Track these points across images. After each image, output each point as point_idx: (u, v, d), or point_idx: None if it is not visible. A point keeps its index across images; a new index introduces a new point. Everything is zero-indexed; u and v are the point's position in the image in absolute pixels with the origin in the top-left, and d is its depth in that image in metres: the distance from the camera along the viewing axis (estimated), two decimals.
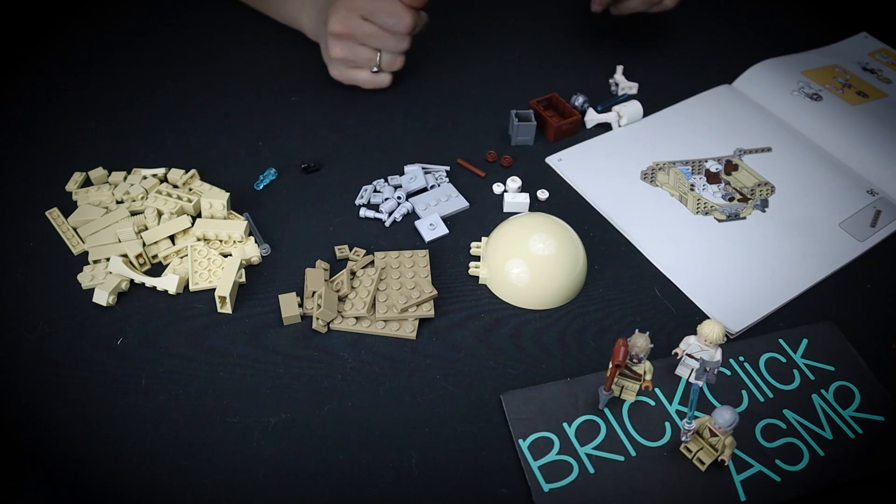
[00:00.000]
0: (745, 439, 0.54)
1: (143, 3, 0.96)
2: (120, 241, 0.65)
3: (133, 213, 0.68)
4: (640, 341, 0.52)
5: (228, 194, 0.70)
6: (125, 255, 0.64)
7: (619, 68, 0.86)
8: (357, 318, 0.62)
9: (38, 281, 0.64)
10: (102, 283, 0.63)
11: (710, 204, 0.73)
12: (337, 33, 0.76)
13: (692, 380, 0.58)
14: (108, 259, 0.65)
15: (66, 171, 0.73)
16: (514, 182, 0.73)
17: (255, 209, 0.71)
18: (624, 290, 0.66)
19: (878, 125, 0.82)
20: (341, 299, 0.63)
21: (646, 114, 0.83)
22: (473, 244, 0.68)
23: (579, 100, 0.82)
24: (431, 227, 0.69)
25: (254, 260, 0.66)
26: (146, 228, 0.67)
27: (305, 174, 0.75)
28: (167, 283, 0.63)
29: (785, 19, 1.01)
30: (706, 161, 0.78)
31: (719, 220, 0.72)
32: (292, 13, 0.88)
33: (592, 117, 0.81)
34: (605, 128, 0.82)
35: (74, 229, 0.68)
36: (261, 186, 0.73)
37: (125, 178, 0.72)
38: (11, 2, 0.94)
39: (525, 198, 0.72)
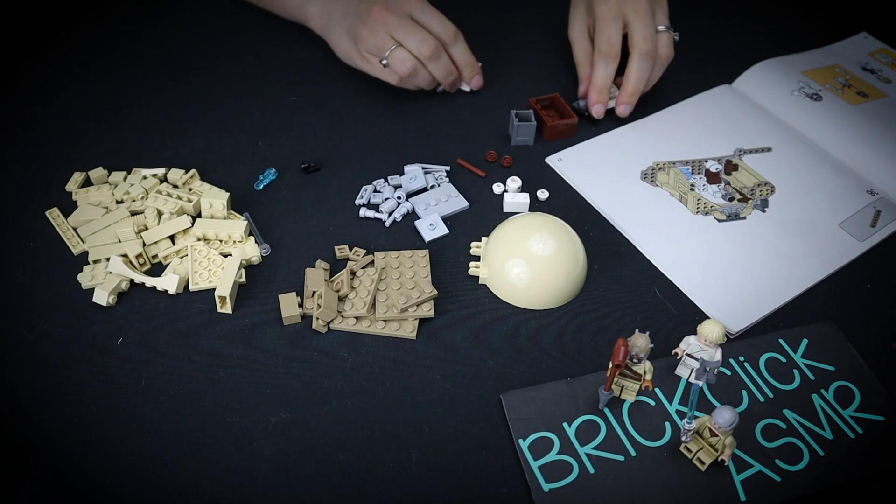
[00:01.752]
0: (745, 439, 0.54)
1: (143, 3, 0.96)
2: (120, 241, 0.65)
3: (133, 213, 0.68)
4: (640, 341, 0.52)
5: (228, 194, 0.70)
6: (125, 255, 0.65)
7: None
8: (357, 318, 0.62)
9: (38, 281, 0.64)
10: (102, 283, 0.63)
11: (710, 204, 0.73)
12: (381, 18, 0.76)
13: (692, 380, 0.58)
14: (108, 259, 0.65)
15: (66, 171, 0.73)
16: (514, 182, 0.73)
17: (255, 209, 0.71)
18: (624, 290, 0.66)
19: (878, 125, 0.82)
20: (341, 299, 0.63)
21: (646, 114, 0.83)
22: (473, 244, 0.68)
23: (582, 102, 0.82)
24: (431, 227, 0.69)
25: (254, 260, 0.66)
26: (146, 228, 0.67)
27: (305, 174, 0.75)
28: (167, 283, 0.63)
29: (785, 19, 1.01)
30: (706, 161, 0.78)
31: (719, 220, 0.72)
32: (295, 2, 0.88)
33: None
34: (603, 128, 0.82)
35: (74, 229, 0.68)
36: (261, 186, 0.73)
37: (125, 178, 0.72)
38: (11, 2, 0.94)
39: (525, 198, 0.72)
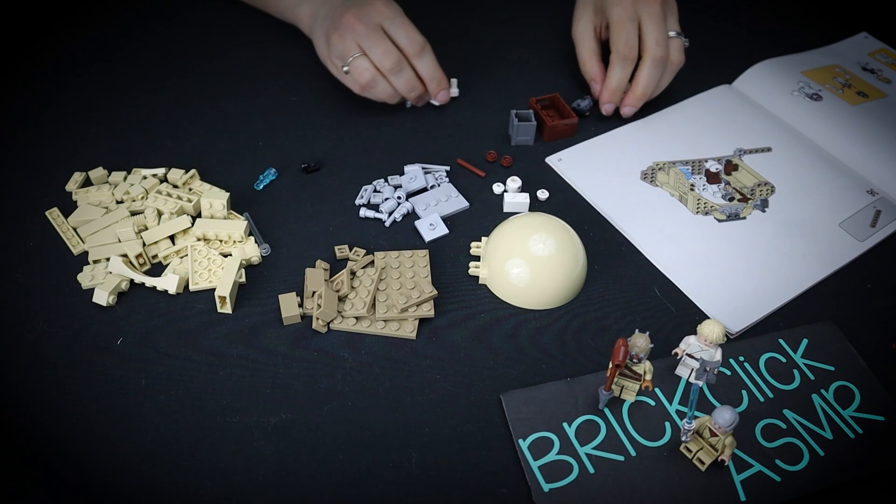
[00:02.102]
0: (745, 439, 0.54)
1: (143, 3, 0.96)
2: (120, 241, 0.65)
3: (133, 213, 0.68)
4: (640, 341, 0.52)
5: (228, 194, 0.70)
6: (125, 255, 0.65)
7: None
8: (357, 318, 0.62)
9: (38, 281, 0.64)
10: (102, 283, 0.63)
11: (710, 204, 0.73)
12: (349, 24, 0.75)
13: (692, 380, 0.58)
14: (108, 259, 0.65)
15: (66, 171, 0.73)
16: (514, 182, 0.73)
17: (255, 209, 0.71)
18: (624, 290, 0.66)
19: (878, 125, 0.82)
20: (341, 299, 0.63)
21: (646, 114, 0.83)
22: (473, 244, 0.68)
23: (583, 102, 0.82)
24: (431, 227, 0.69)
25: (254, 260, 0.66)
26: (146, 228, 0.67)
27: (305, 174, 0.75)
28: (167, 283, 0.63)
29: (785, 19, 1.01)
30: (706, 161, 0.78)
31: (719, 220, 0.72)
32: (287, 2, 0.88)
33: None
34: (603, 128, 0.82)
35: (74, 229, 0.68)
36: (261, 186, 0.73)
37: (125, 178, 0.72)
38: (11, 2, 0.94)
39: (525, 198, 0.72)
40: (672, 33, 0.79)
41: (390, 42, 0.76)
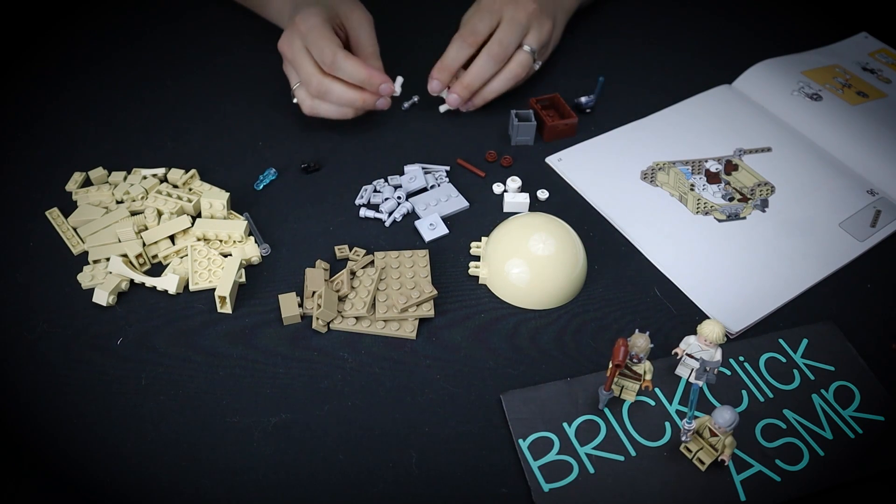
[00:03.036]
0: (745, 439, 0.54)
1: (143, 3, 0.96)
2: (120, 241, 0.65)
3: (133, 213, 0.68)
4: (640, 341, 0.52)
5: (228, 194, 0.70)
6: (125, 255, 0.65)
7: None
8: (357, 318, 0.62)
9: (38, 281, 0.64)
10: (102, 283, 0.63)
11: (710, 204, 0.73)
12: (281, 51, 0.75)
13: (692, 380, 0.58)
14: (108, 259, 0.65)
15: (66, 171, 0.73)
16: (514, 182, 0.73)
17: (255, 209, 0.71)
18: (624, 290, 0.66)
19: (878, 125, 0.82)
20: (341, 299, 0.63)
21: (646, 114, 0.83)
22: (473, 244, 0.68)
23: (584, 99, 0.82)
24: (431, 227, 0.69)
25: (254, 260, 0.66)
26: (146, 228, 0.67)
27: (305, 174, 0.75)
28: (167, 283, 0.63)
29: (785, 19, 1.01)
30: (706, 161, 0.78)
31: (719, 220, 0.72)
32: (275, 7, 0.88)
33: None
34: (603, 128, 0.82)
35: (74, 229, 0.68)
36: (261, 186, 0.73)
37: (125, 178, 0.72)
38: (11, 2, 0.94)
39: (525, 198, 0.72)
40: (526, 48, 0.77)
41: (312, 64, 0.72)
